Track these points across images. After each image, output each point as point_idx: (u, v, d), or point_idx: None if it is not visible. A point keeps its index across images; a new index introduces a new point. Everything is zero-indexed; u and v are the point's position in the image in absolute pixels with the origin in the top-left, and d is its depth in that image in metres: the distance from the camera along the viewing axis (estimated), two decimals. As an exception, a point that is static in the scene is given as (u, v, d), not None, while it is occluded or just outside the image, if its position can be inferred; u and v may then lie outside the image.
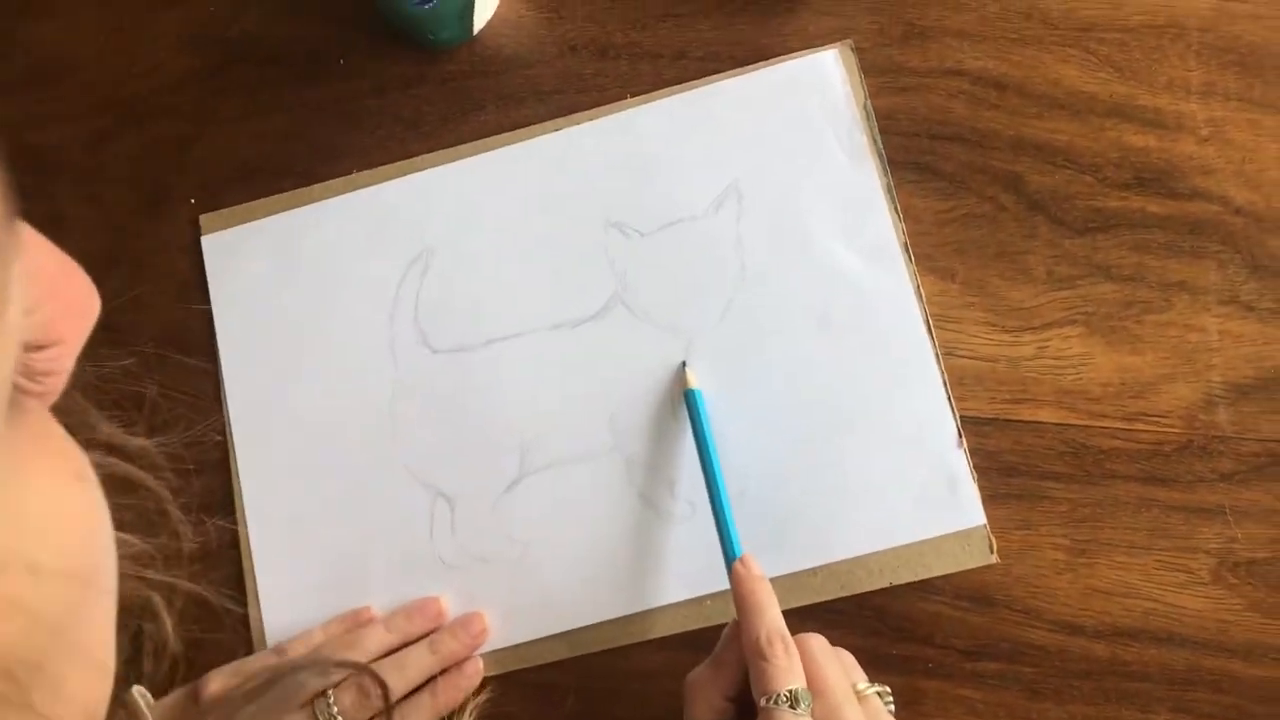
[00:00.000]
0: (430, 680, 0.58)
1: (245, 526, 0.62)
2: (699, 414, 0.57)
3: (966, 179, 0.60)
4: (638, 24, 0.65)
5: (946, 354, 0.59)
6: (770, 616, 0.49)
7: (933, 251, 0.60)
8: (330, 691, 0.55)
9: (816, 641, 0.49)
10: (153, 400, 0.62)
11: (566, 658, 0.59)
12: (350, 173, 0.65)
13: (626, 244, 0.62)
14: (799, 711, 0.45)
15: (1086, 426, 0.57)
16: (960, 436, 0.57)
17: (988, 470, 0.57)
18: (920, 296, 0.59)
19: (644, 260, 0.62)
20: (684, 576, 0.58)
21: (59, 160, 0.68)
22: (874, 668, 0.56)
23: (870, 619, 0.57)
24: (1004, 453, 0.58)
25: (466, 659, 0.58)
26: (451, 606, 0.60)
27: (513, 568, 0.60)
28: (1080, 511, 0.57)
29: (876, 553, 0.57)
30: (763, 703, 0.46)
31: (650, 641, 0.58)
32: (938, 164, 0.61)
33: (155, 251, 0.66)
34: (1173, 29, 0.60)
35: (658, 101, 0.63)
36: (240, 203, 0.66)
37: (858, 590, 0.57)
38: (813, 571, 0.57)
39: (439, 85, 0.66)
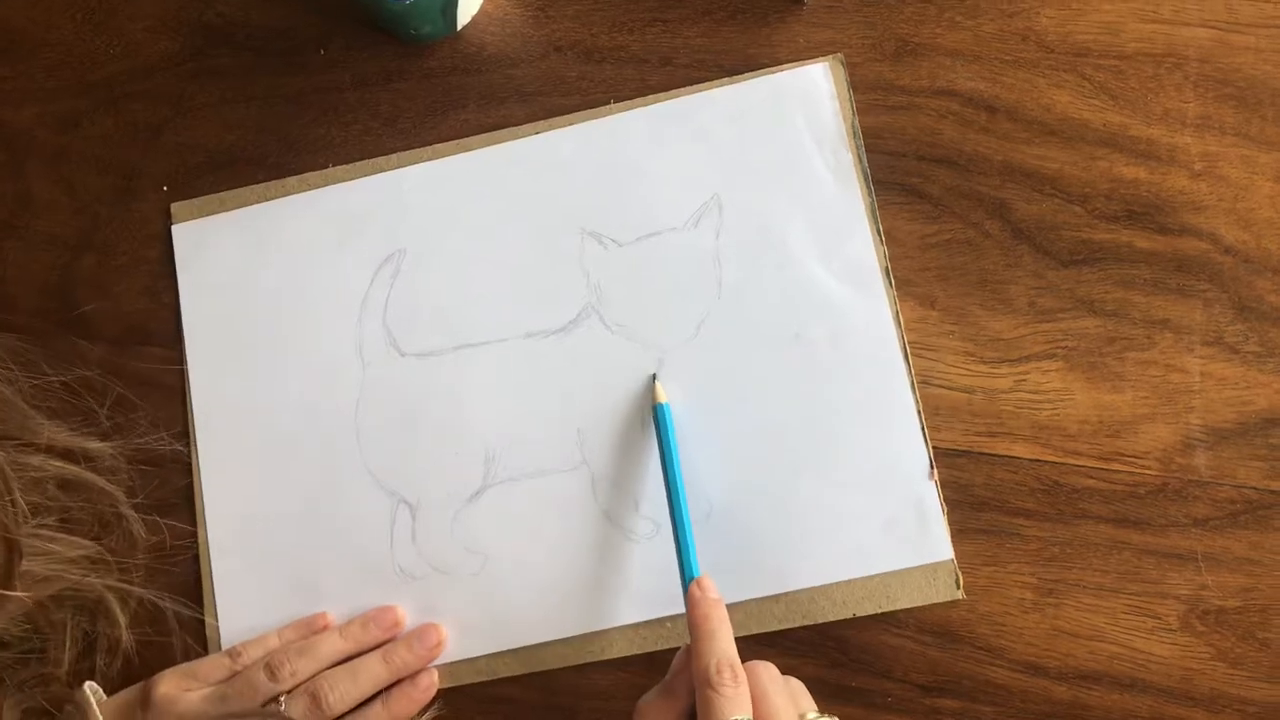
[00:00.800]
0: (383, 691, 0.57)
1: (204, 528, 0.61)
2: (666, 429, 0.56)
3: (952, 203, 0.59)
4: (625, 27, 0.63)
5: (922, 383, 0.57)
6: (722, 643, 0.48)
7: (913, 276, 0.58)
8: (283, 699, 0.55)
9: (766, 670, 0.48)
10: (115, 398, 0.61)
11: (523, 674, 0.58)
12: (326, 166, 0.64)
13: (603, 254, 0.61)
14: None
15: (1061, 464, 0.56)
16: (932, 468, 0.56)
17: (958, 504, 0.56)
18: (899, 323, 0.58)
19: (620, 271, 0.60)
20: (645, 596, 0.57)
21: (30, 140, 0.67)
22: (833, 699, 0.56)
23: (832, 649, 0.56)
24: (975, 486, 0.56)
25: (421, 671, 0.58)
26: (409, 617, 0.59)
27: (472, 580, 0.59)
28: (1050, 550, 0.56)
29: (841, 583, 0.56)
30: None
31: (609, 661, 0.57)
32: (923, 186, 0.59)
33: (125, 238, 0.65)
34: (1171, 58, 0.59)
35: (641, 109, 0.62)
36: (213, 191, 0.64)
37: (820, 620, 0.56)
38: (775, 599, 0.56)
39: (420, 80, 0.64)
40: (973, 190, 0.59)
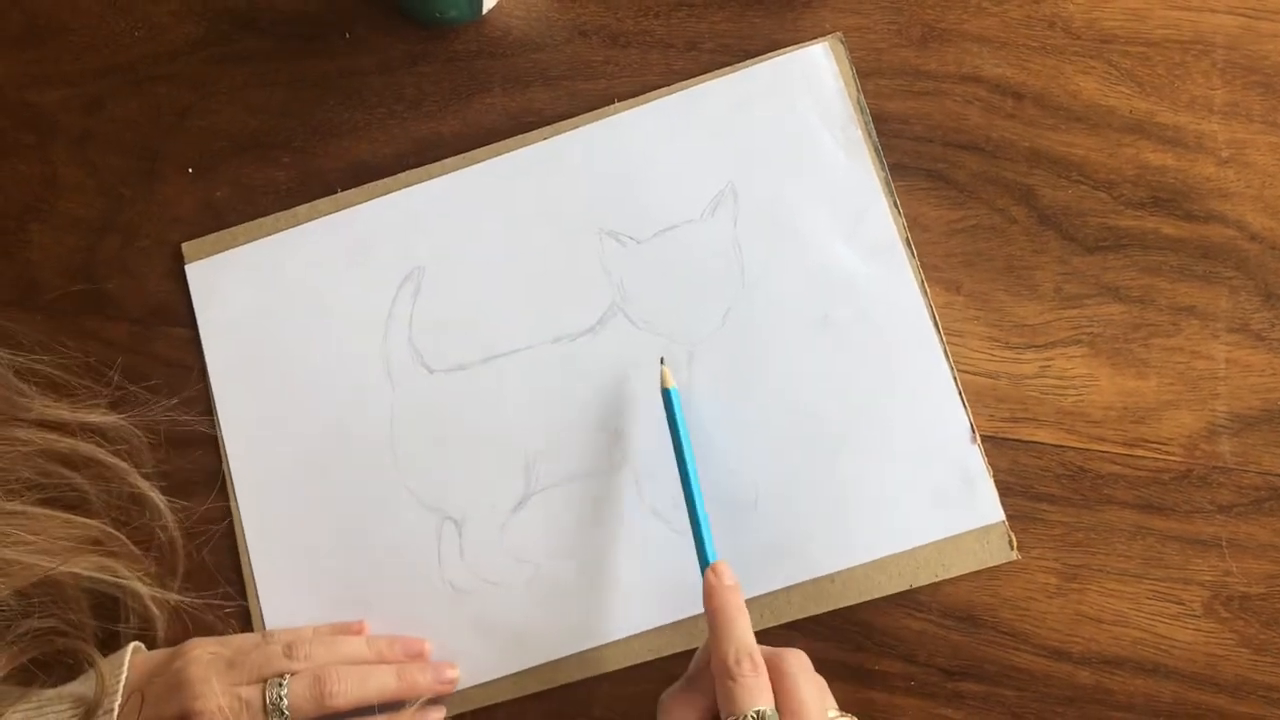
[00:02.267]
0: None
1: (248, 558, 0.61)
2: (675, 414, 0.56)
3: (978, 189, 0.59)
4: (650, 12, 0.63)
5: (947, 368, 0.58)
6: (739, 632, 0.47)
7: (939, 262, 0.59)
8: (286, 676, 0.54)
9: (796, 659, 0.48)
10: (136, 376, 0.61)
11: (584, 678, 0.57)
12: (348, 151, 0.64)
13: (622, 252, 0.61)
14: None
15: (1085, 449, 0.56)
16: (974, 432, 0.56)
17: (982, 489, 0.56)
18: (925, 292, 0.58)
19: (641, 268, 0.60)
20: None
21: (55, 122, 0.67)
22: (856, 682, 0.56)
23: (855, 634, 0.56)
24: (1000, 472, 0.56)
25: (433, 705, 0.57)
26: (462, 632, 0.58)
27: (524, 589, 0.58)
28: (1074, 536, 0.56)
29: (894, 555, 0.56)
30: None
31: (675, 655, 0.57)
32: (949, 172, 0.59)
33: (149, 220, 0.65)
34: (1198, 45, 0.59)
35: (645, 105, 0.62)
36: (238, 174, 0.64)
37: (877, 595, 0.56)
38: (830, 578, 0.56)
39: (444, 65, 0.64)
40: (999, 176, 0.59)
